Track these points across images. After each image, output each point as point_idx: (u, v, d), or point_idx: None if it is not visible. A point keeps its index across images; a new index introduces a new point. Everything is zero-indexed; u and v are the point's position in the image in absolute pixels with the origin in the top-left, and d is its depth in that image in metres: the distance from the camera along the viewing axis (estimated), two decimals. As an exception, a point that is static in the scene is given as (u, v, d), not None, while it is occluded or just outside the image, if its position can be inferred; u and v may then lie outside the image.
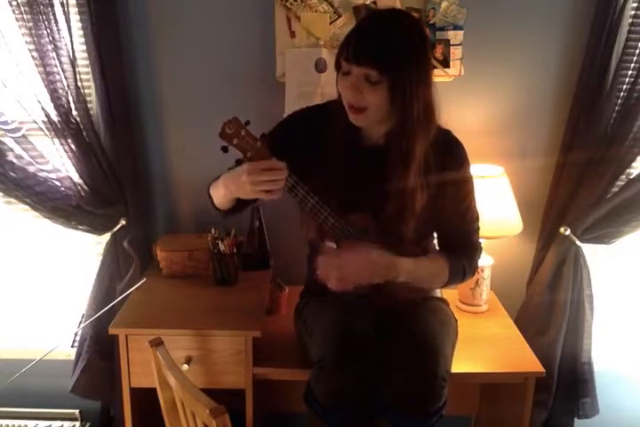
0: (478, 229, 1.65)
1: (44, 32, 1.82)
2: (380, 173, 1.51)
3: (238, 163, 1.37)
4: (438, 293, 1.78)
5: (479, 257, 1.66)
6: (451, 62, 1.96)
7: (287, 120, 1.65)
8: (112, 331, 1.70)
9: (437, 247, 1.68)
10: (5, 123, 1.92)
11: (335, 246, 1.52)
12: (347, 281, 1.43)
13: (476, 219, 1.63)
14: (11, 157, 1.93)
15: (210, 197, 1.58)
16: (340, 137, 1.51)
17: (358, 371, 1.47)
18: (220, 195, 1.50)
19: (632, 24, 1.86)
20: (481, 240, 1.67)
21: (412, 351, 1.50)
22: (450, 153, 1.55)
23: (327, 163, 1.52)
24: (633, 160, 1.93)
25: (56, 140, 1.92)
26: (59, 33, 1.83)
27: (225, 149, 1.34)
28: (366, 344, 1.50)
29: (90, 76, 1.92)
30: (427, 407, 1.48)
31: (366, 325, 1.56)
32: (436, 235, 1.68)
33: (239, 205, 1.54)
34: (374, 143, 1.55)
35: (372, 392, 1.50)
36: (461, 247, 1.61)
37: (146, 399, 1.72)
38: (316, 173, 1.50)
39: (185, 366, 1.68)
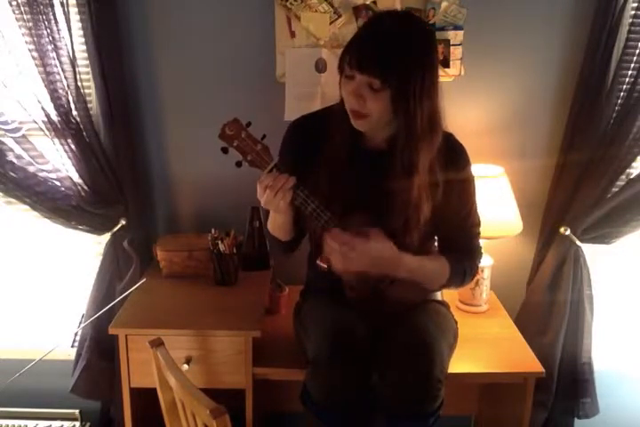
0: (479, 233, 1.64)
1: (44, 32, 1.82)
2: (382, 175, 1.49)
3: (238, 165, 1.36)
4: (439, 295, 1.77)
5: (479, 261, 1.66)
6: (451, 62, 1.96)
7: (288, 138, 1.61)
8: (112, 331, 1.70)
9: (438, 250, 1.67)
10: (5, 123, 1.92)
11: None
12: (351, 261, 1.42)
13: (478, 223, 1.63)
14: (11, 157, 1.93)
15: (273, 239, 1.60)
16: (341, 140, 1.49)
17: (351, 370, 1.47)
18: (272, 221, 1.54)
19: (632, 24, 1.86)
20: (482, 244, 1.67)
21: (407, 352, 1.49)
22: (453, 158, 1.53)
23: (328, 166, 1.50)
24: (633, 160, 1.93)
25: (56, 140, 1.92)
26: (59, 33, 1.83)
27: (225, 150, 1.33)
28: (360, 343, 1.50)
29: (90, 76, 1.92)
30: (422, 409, 1.47)
31: (361, 324, 1.55)
32: (436, 238, 1.67)
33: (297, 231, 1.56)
34: (376, 147, 1.53)
35: (367, 392, 1.50)
36: (462, 251, 1.61)
37: (146, 399, 1.72)
38: (316, 176, 1.49)
39: (185, 366, 1.68)
